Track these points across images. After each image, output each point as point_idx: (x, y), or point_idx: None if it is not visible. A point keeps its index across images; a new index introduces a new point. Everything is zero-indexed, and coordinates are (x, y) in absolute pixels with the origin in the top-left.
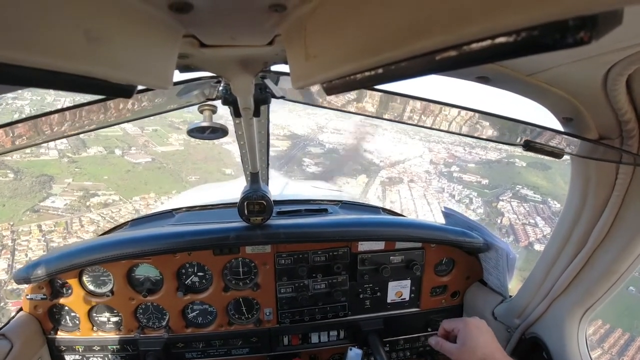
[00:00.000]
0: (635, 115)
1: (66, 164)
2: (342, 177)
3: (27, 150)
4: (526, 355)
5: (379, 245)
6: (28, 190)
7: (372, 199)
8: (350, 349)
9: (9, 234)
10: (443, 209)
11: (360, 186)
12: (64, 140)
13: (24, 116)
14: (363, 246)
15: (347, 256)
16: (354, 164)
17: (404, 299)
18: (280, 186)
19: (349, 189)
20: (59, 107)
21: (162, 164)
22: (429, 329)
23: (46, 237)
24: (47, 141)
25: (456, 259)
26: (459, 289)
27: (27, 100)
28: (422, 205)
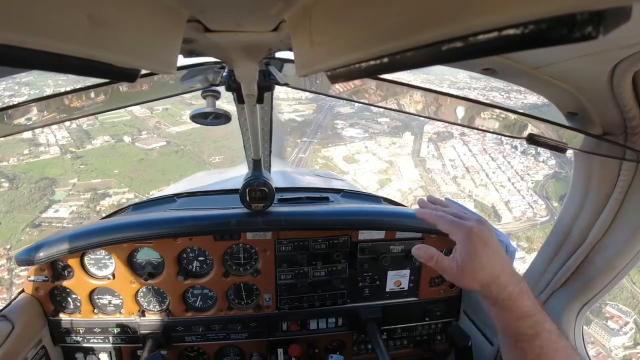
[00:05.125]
0: None
1: (70, 160)
2: (386, 137)
3: (26, 151)
4: None
5: (379, 235)
6: (27, 200)
7: (429, 160)
8: (331, 357)
9: (5, 262)
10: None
11: (408, 146)
12: (66, 134)
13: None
14: (363, 235)
15: (347, 245)
16: (392, 121)
17: (403, 288)
18: (282, 174)
19: (396, 149)
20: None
21: (178, 146)
22: (427, 319)
23: None
24: (50, 124)
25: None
26: None
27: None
28: (486, 162)
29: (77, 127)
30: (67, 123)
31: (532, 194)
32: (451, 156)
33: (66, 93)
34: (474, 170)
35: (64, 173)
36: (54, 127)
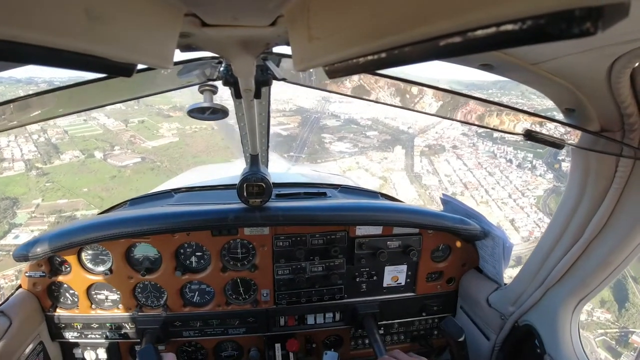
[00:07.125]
0: (638, 109)
1: (35, 178)
2: (376, 152)
3: None
4: (519, 343)
5: (377, 230)
6: None
7: (425, 175)
8: (326, 353)
9: None
10: (441, 196)
11: (400, 160)
12: (33, 147)
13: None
14: (361, 230)
15: (345, 240)
16: (381, 135)
17: (400, 283)
18: (280, 169)
19: (389, 164)
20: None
21: (155, 162)
22: (424, 314)
23: None
24: (45, 119)
25: (453, 245)
26: (455, 275)
27: None
28: (483, 177)
29: (46, 140)
30: (35, 136)
31: (535, 210)
32: (446, 171)
33: (62, 88)
34: (472, 187)
35: (27, 192)
36: (21, 140)
